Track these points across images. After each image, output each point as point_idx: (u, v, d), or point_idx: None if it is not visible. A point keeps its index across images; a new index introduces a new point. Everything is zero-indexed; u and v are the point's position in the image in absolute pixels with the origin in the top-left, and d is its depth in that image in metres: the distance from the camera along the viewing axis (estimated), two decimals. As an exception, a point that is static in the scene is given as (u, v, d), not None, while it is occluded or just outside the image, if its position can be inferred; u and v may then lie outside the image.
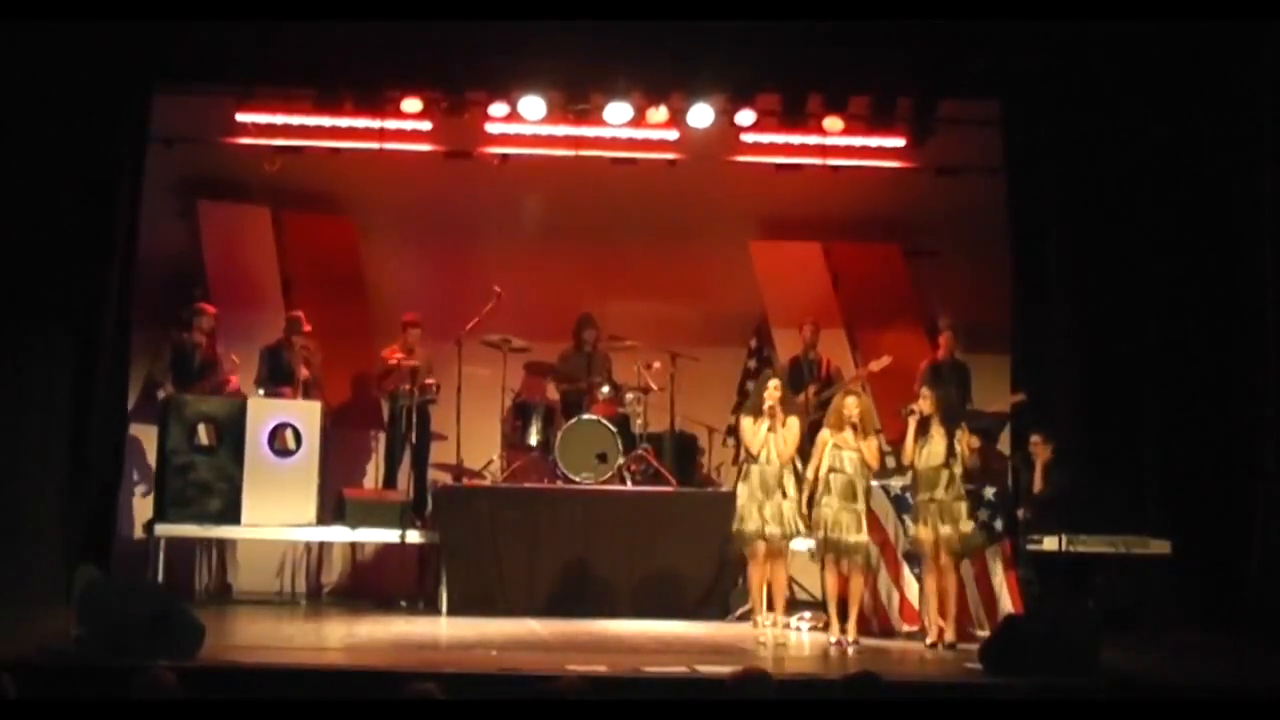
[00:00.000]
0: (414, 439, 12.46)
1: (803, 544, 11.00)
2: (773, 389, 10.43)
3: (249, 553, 12.65)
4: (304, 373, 12.29)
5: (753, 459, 10.38)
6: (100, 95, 11.47)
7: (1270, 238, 11.07)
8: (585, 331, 12.94)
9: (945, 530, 10.13)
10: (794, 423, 10.46)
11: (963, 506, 10.22)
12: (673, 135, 13.03)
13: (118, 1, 10.13)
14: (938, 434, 10.17)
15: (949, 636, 10.14)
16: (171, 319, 12.49)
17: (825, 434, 10.33)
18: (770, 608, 10.45)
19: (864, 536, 10.21)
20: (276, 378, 12.41)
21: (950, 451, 10.10)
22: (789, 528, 10.34)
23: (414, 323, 12.67)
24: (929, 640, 10.18)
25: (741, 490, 10.44)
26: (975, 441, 10.52)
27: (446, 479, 12.59)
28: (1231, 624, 10.84)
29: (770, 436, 10.36)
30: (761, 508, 10.30)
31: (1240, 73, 11.24)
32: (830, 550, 10.19)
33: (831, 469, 10.20)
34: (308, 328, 12.52)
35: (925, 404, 10.23)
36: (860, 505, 10.21)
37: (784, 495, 10.32)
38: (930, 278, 13.88)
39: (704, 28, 10.98)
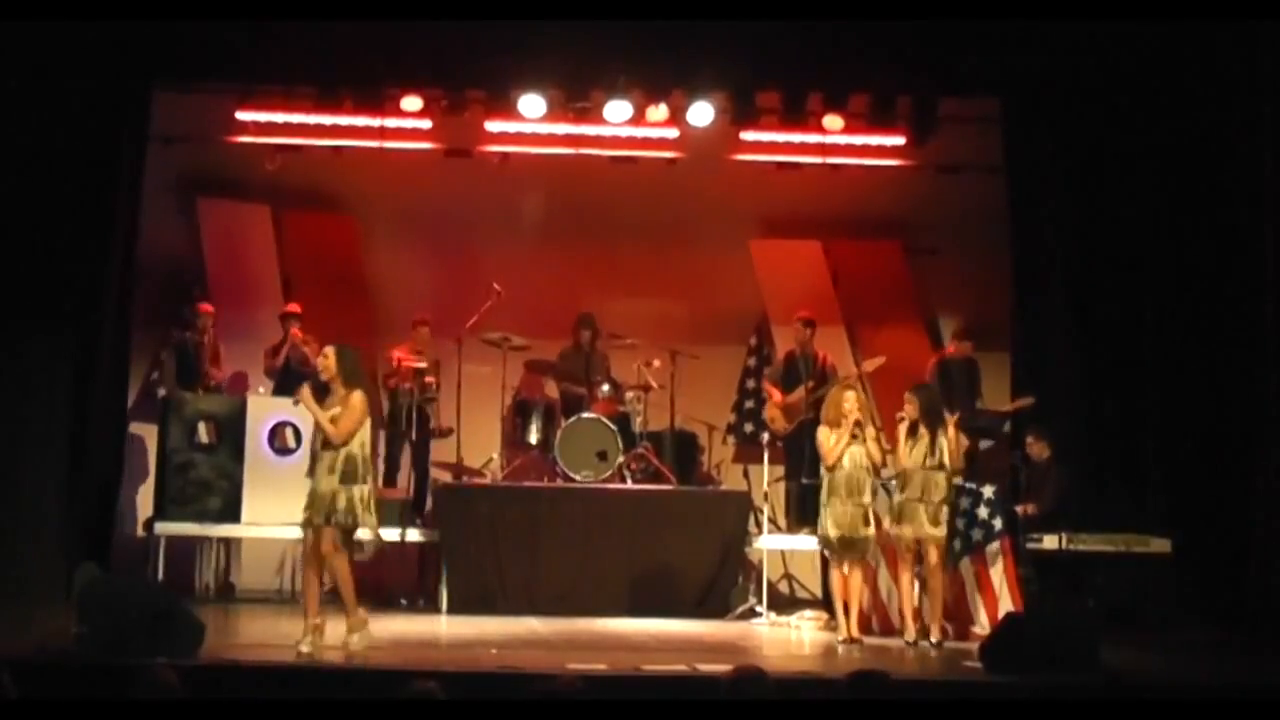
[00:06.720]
0: (414, 437, 12.45)
1: (805, 542, 10.95)
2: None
3: (249, 551, 12.63)
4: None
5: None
6: (100, 94, 11.48)
7: (1270, 237, 11.07)
8: (585, 330, 12.90)
9: (934, 531, 10.13)
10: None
11: (947, 510, 10.22)
12: (673, 134, 13.02)
13: (118, 1, 10.13)
14: (925, 436, 10.21)
15: (935, 636, 10.13)
16: (171, 318, 12.50)
17: (824, 431, 10.33)
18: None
19: (870, 531, 10.22)
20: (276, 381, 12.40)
21: (932, 451, 10.13)
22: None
23: (423, 321, 12.68)
24: (907, 638, 10.16)
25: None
26: (964, 442, 10.54)
27: (446, 477, 12.58)
28: (1232, 622, 10.85)
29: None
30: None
31: (1240, 73, 11.23)
32: (839, 548, 10.19)
33: (834, 466, 10.21)
34: (295, 331, 12.49)
35: (910, 409, 10.30)
36: (866, 499, 10.22)
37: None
38: (930, 276, 13.89)
39: (704, 27, 10.98)
